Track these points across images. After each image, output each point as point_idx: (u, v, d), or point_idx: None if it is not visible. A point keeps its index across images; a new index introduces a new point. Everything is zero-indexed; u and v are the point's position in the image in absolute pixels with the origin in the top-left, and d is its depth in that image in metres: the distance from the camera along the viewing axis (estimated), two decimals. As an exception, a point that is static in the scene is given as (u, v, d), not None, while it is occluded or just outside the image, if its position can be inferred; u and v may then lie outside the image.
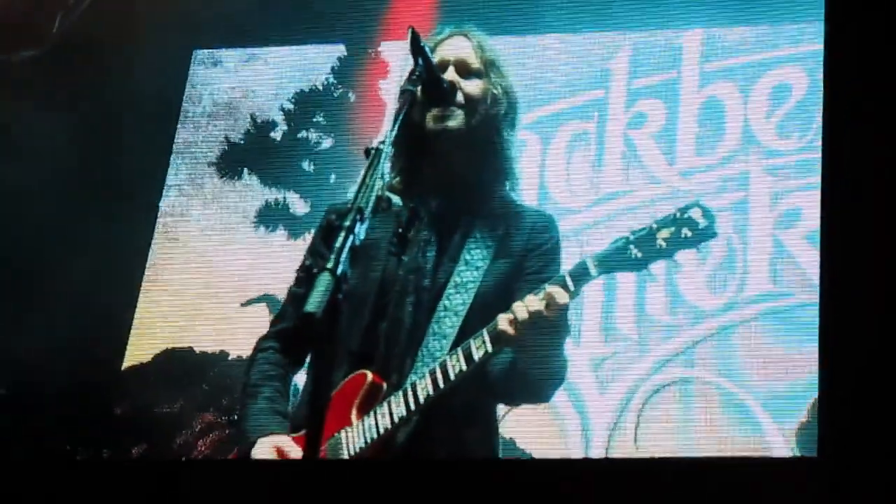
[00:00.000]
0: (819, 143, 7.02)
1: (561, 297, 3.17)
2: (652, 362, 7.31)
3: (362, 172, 2.79)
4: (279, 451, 3.33)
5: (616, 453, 7.20)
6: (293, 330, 3.62)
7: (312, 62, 8.92)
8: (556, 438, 7.26)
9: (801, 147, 7.36)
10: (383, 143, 2.95)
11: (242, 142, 9.23)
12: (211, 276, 8.77)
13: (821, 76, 7.21)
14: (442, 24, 6.17)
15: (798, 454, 6.59)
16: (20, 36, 9.28)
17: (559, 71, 8.14)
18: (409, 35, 3.24)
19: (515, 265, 3.53)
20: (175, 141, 9.29)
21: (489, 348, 3.27)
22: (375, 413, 3.32)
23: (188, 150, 9.31)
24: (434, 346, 3.32)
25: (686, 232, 3.29)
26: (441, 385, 3.27)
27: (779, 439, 6.78)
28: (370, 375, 3.36)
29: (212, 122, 9.36)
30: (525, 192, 7.79)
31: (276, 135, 9.11)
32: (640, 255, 3.31)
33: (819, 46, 7.26)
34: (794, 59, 7.52)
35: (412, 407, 3.28)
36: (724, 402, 6.97)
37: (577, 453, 7.23)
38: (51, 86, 8.88)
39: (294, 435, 3.46)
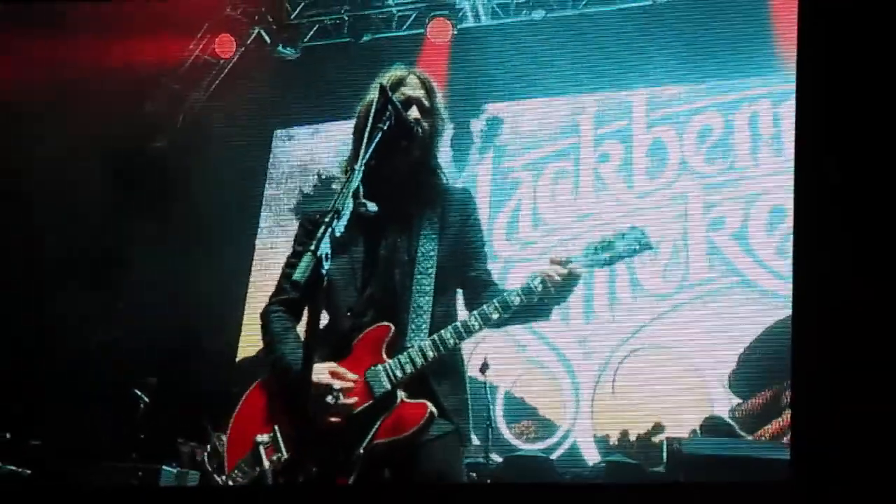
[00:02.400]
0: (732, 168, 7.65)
1: (576, 269, 3.17)
2: (622, 335, 7.63)
3: (340, 186, 2.95)
4: (335, 373, 3.19)
5: (598, 402, 7.54)
6: (290, 295, 3.47)
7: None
8: (554, 395, 7.67)
9: (723, 169, 7.69)
10: (357, 165, 3.00)
11: (312, 193, 9.58)
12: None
13: (732, 118, 7.73)
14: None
15: (731, 391, 6.97)
16: (154, 130, 9.77)
17: (543, 125, 8.40)
18: (380, 91, 3.21)
19: (458, 231, 3.39)
20: (264, 195, 9.80)
21: (521, 299, 3.16)
22: (409, 353, 3.19)
23: (274, 202, 9.76)
24: (420, 301, 3.23)
25: (634, 244, 3.23)
26: (463, 337, 3.17)
27: (717, 385, 7.12)
28: (393, 326, 3.24)
29: (289, 180, 9.80)
30: (521, 213, 8.14)
31: (336, 185, 9.58)
32: (607, 256, 3.25)
33: (731, 97, 7.78)
34: (713, 107, 7.82)
35: (442, 350, 3.16)
36: (677, 360, 7.26)
37: (570, 404, 7.64)
38: (176, 162, 9.28)
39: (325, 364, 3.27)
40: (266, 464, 3.22)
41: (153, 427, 7.86)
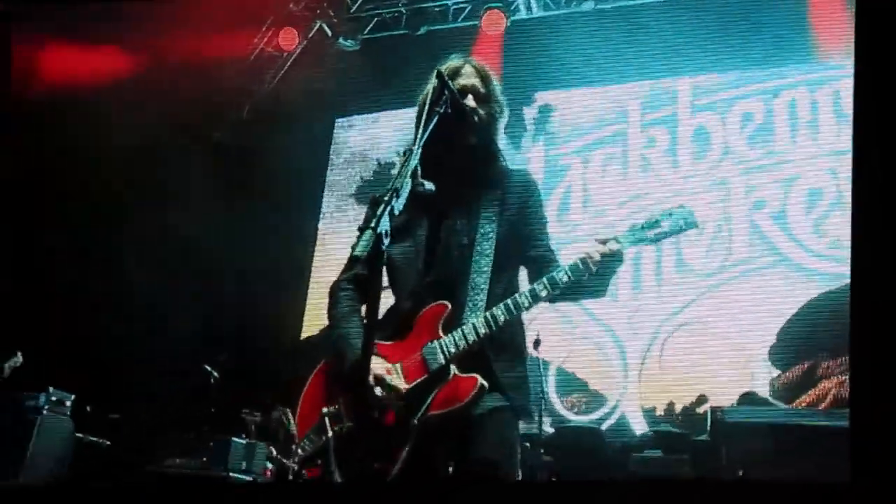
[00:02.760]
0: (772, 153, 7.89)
1: (617, 247, 3.18)
2: (668, 311, 7.93)
3: (399, 166, 2.98)
4: (387, 369, 3.27)
5: (645, 375, 7.83)
6: (357, 271, 3.47)
7: (415, 118, 9.72)
8: (604, 369, 7.99)
9: (763, 154, 7.95)
10: (414, 147, 3.03)
11: (371, 178, 9.92)
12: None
13: (773, 105, 7.94)
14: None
15: (771, 364, 7.22)
16: (222, 120, 10.17)
17: (594, 112, 8.69)
18: (437, 77, 3.25)
19: (518, 213, 3.41)
20: (326, 181, 10.14)
21: (568, 277, 3.17)
22: (462, 330, 3.20)
23: (335, 187, 10.10)
24: (477, 280, 3.26)
25: (680, 221, 3.20)
26: (513, 313, 3.18)
27: (757, 358, 7.37)
28: (449, 305, 3.26)
29: (350, 167, 10.14)
30: (573, 195, 8.34)
31: (394, 171, 9.90)
32: (652, 234, 3.21)
33: (771, 84, 8.01)
34: (754, 94, 8.05)
35: (493, 327, 3.18)
36: (720, 335, 7.54)
37: (618, 378, 7.95)
38: (242, 151, 9.68)
39: (382, 343, 3.31)
40: (330, 433, 3.26)
41: (223, 401, 8.12)
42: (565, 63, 8.28)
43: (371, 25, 9.91)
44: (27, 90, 7.95)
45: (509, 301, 3.24)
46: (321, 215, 10.01)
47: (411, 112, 9.54)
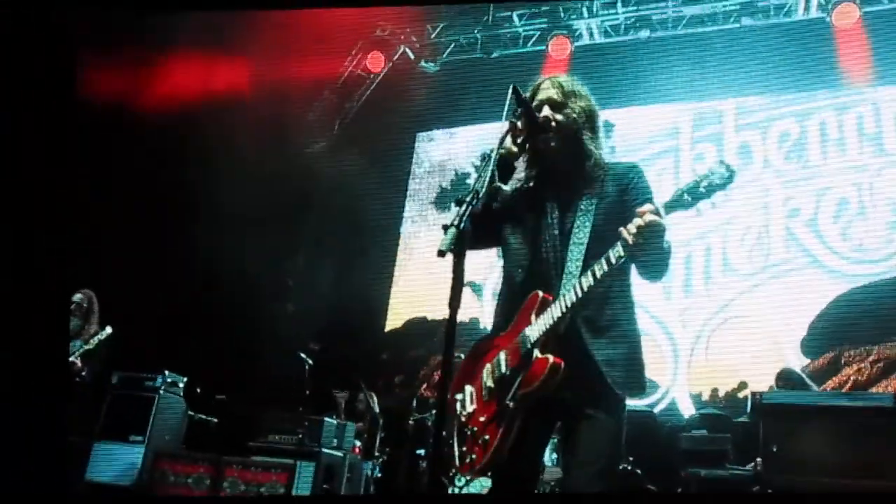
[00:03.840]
0: (805, 167, 8.41)
1: (653, 218, 3.00)
2: (714, 308, 8.49)
3: (480, 171, 3.04)
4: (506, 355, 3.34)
5: (693, 364, 8.40)
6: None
7: (490, 133, 9.60)
8: (657, 359, 8.53)
9: (799, 168, 8.52)
10: (493, 153, 3.11)
11: (450, 187, 10.67)
12: (433, 272, 8.87)
13: (807, 125, 8.47)
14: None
15: (802, 353, 7.77)
16: (315, 135, 10.89)
17: (648, 128, 9.26)
18: (512, 91, 3.32)
19: (616, 202, 3.40)
20: (408, 190, 10.84)
21: (621, 253, 3.09)
22: (544, 315, 3.26)
23: (416, 195, 10.83)
24: (571, 268, 3.29)
25: (716, 179, 3.08)
26: (579, 295, 3.20)
27: (791, 349, 7.91)
28: (541, 293, 3.32)
29: (430, 176, 10.87)
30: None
31: (470, 180, 10.25)
32: (689, 199, 3.09)
33: (804, 106, 8.56)
34: (790, 115, 8.63)
35: (564, 309, 3.21)
36: (759, 329, 8.11)
37: (670, 367, 8.52)
38: (333, 164, 10.30)
39: (497, 337, 3.44)
40: (456, 416, 3.45)
41: (317, 385, 8.48)
42: (624, 84, 8.77)
43: (449, 49, 10.51)
44: (133, 102, 8.59)
45: (575, 282, 3.24)
46: (403, 220, 10.68)
47: (486, 127, 10.09)
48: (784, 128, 8.64)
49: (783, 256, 8.30)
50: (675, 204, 3.12)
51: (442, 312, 9.08)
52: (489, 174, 3.07)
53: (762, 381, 7.69)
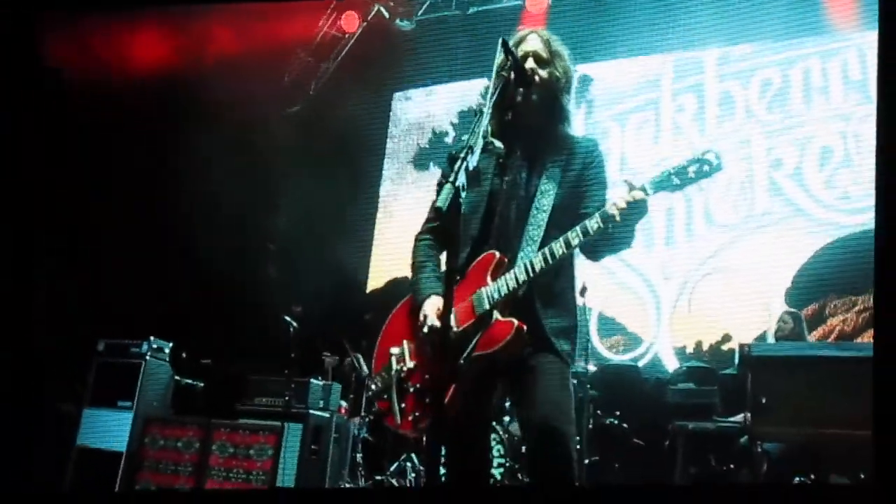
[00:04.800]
0: (789, 116, 8.25)
1: (640, 195, 3.03)
2: (697, 260, 8.38)
3: (472, 126, 2.99)
4: (439, 309, 3.24)
5: (676, 318, 8.32)
6: (437, 224, 3.56)
7: (468, 91, 9.67)
8: (640, 313, 8.50)
9: (782, 118, 8.33)
10: (485, 109, 3.06)
11: (427, 146, 10.50)
12: (412, 231, 9.60)
13: (791, 73, 8.28)
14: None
15: (787, 304, 7.63)
16: (292, 98, 10.71)
17: (629, 81, 9.11)
18: (501, 42, 3.27)
19: (579, 175, 3.39)
20: (386, 149, 10.68)
21: (600, 224, 3.11)
22: (505, 278, 3.23)
23: (394, 155, 10.67)
24: (532, 233, 3.29)
25: (705, 167, 3.08)
26: (549, 261, 3.19)
27: (776, 300, 7.80)
28: (498, 254, 3.29)
29: (408, 136, 10.68)
30: (610, 158, 8.47)
31: (448, 139, 10.29)
32: (678, 181, 3.11)
33: (787, 55, 8.37)
34: (774, 64, 8.44)
35: (530, 274, 3.20)
36: (743, 281, 7.99)
37: (653, 321, 8.44)
38: (310, 125, 10.21)
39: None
40: (393, 371, 3.41)
41: (302, 347, 8.19)
42: (603, 37, 8.66)
43: (425, 7, 10.28)
44: (94, 75, 8.31)
45: (545, 249, 3.24)
46: (382, 180, 10.55)
47: (463, 84, 9.90)
48: (766, 76, 8.48)
49: (767, 207, 8.17)
50: (662, 184, 3.15)
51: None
52: (482, 129, 3.00)
53: (747, 334, 7.69)
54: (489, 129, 3.10)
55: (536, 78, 3.42)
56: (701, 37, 8.54)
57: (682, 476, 6.78)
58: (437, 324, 3.25)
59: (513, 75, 3.29)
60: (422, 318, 3.36)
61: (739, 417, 6.65)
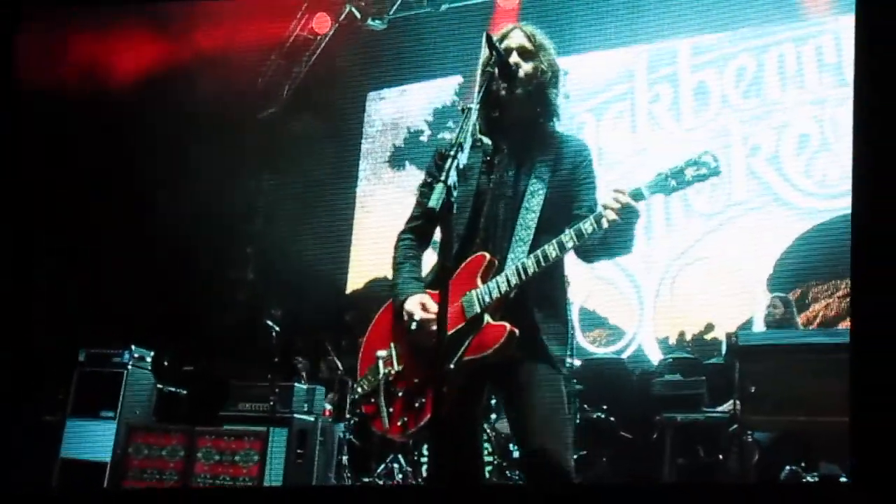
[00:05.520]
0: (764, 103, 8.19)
1: (632, 201, 2.94)
2: (677, 250, 8.31)
3: (461, 123, 2.90)
4: (423, 305, 3.21)
5: (659, 309, 8.24)
6: (421, 223, 3.47)
7: (442, 88, 9.99)
8: (621, 305, 8.41)
9: (757, 105, 8.26)
10: (472, 103, 3.03)
11: (403, 145, 10.36)
12: (390, 231, 9.58)
13: (765, 59, 8.21)
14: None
15: (770, 291, 7.54)
16: (266, 101, 10.55)
17: (603, 73, 9.01)
18: (485, 36, 3.24)
19: (569, 175, 3.32)
20: (361, 150, 10.52)
21: (595, 227, 3.07)
22: (497, 280, 3.17)
23: (370, 154, 10.53)
24: (521, 234, 3.23)
25: (703, 170, 3.02)
26: (542, 264, 3.13)
27: (758, 287, 7.72)
28: (488, 256, 3.24)
29: (382, 135, 10.54)
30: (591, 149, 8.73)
31: (424, 138, 10.19)
32: (674, 183, 3.07)
33: (761, 42, 8.28)
34: (746, 51, 8.37)
35: (523, 278, 3.14)
36: (724, 269, 7.92)
37: (635, 312, 8.36)
38: (286, 126, 10.14)
39: (430, 291, 3.31)
40: (381, 375, 3.33)
41: (284, 351, 8.30)
42: (575, 31, 8.44)
43: (396, 6, 10.12)
44: (76, 84, 8.17)
45: (538, 252, 3.18)
46: (358, 181, 10.43)
47: (437, 82, 9.79)
48: (741, 63, 8.39)
49: (745, 195, 8.08)
50: (657, 186, 3.10)
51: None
52: (470, 127, 2.96)
53: (730, 322, 7.59)
54: (478, 125, 3.10)
55: (521, 72, 3.35)
56: (673, 27, 8.41)
57: (670, 468, 6.69)
58: (426, 316, 3.21)
59: (497, 71, 3.24)
60: (406, 317, 3.28)
61: (728, 407, 6.57)
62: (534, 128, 3.44)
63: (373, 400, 3.39)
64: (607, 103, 8.98)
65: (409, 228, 3.60)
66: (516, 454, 6.51)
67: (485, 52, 3.29)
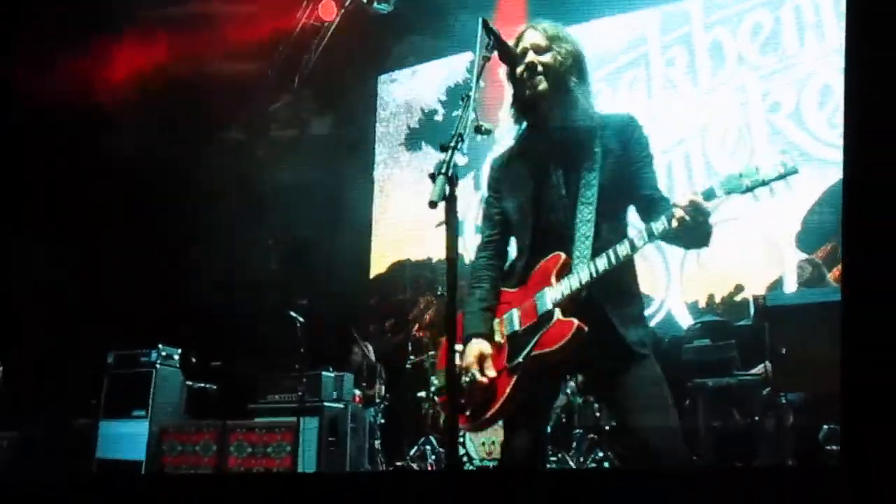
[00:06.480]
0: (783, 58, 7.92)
1: (702, 200, 2.77)
2: None
3: (460, 112, 2.81)
4: (480, 357, 3.25)
5: (686, 273, 8.04)
6: (495, 235, 3.49)
7: (454, 67, 9.89)
8: (649, 272, 8.13)
9: (776, 61, 8.01)
10: (471, 93, 2.93)
11: (417, 126, 10.32)
12: (411, 213, 9.52)
13: (779, 13, 7.92)
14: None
15: (798, 249, 7.33)
16: (277, 91, 10.43)
17: (615, 39, 8.80)
18: (480, 21, 3.15)
19: (622, 156, 3.26)
20: (376, 133, 10.52)
21: (666, 226, 2.98)
22: (569, 279, 3.16)
23: (385, 138, 10.48)
24: (583, 229, 3.18)
25: (780, 169, 2.91)
26: (613, 262, 3.05)
27: (786, 245, 7.52)
28: (563, 255, 3.22)
29: (397, 117, 10.48)
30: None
31: (439, 117, 10.14)
32: (748, 183, 2.87)
33: None
34: (761, 5, 8.12)
35: (593, 276, 3.10)
36: (750, 229, 7.63)
37: (662, 279, 8.17)
38: (299, 115, 10.05)
39: (506, 290, 3.41)
40: (456, 368, 3.26)
41: (310, 341, 8.10)
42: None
43: None
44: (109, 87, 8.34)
45: (610, 251, 3.13)
46: (376, 165, 10.37)
47: (446, 61, 9.71)
48: (756, 19, 8.11)
49: (768, 152, 7.77)
50: (730, 185, 2.96)
51: (424, 253, 8.67)
52: (469, 115, 2.92)
53: (759, 282, 7.45)
54: (475, 112, 2.98)
55: (539, 67, 3.30)
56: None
57: (705, 432, 6.52)
58: (479, 377, 3.20)
59: (497, 55, 3.20)
60: (464, 365, 3.25)
61: (759, 369, 6.43)
62: (568, 119, 3.32)
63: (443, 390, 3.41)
64: (622, 70, 8.77)
65: (484, 245, 3.55)
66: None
67: (482, 35, 3.16)
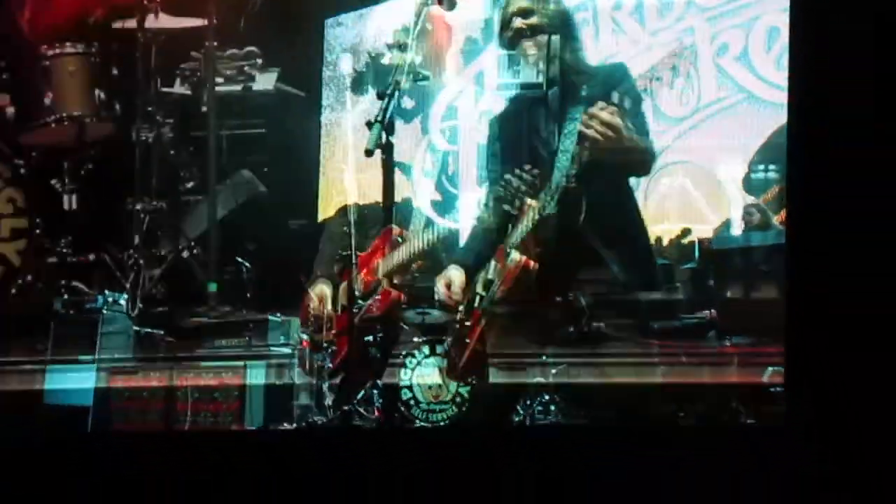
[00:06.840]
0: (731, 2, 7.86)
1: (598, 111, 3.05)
2: None
3: (395, 62, 2.99)
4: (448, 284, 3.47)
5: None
6: None
7: (402, 10, 9.08)
8: None
9: (724, 2, 7.93)
10: (409, 40, 3.15)
11: (364, 70, 9.69)
12: (358, 158, 8.25)
13: None
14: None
15: (745, 192, 7.36)
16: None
17: None
18: None
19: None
20: (323, 78, 10.16)
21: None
22: (526, 217, 3.24)
23: (332, 82, 10.11)
24: (558, 178, 3.20)
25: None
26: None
27: (733, 189, 7.53)
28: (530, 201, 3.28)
29: (342, 62, 9.96)
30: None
31: (385, 60, 8.91)
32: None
33: None
34: None
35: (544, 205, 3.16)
36: (697, 172, 7.77)
37: None
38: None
39: None
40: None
41: (256, 286, 8.55)
42: None
43: None
44: None
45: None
46: (322, 109, 10.12)
47: (392, 4, 9.48)
48: (704, -43, 7.87)
49: (716, 95, 7.85)
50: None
51: (373, 197, 8.57)
52: (407, 64, 3.15)
53: (707, 226, 7.49)
54: (414, 60, 3.16)
55: (527, 31, 3.61)
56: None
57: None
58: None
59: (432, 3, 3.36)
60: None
61: (705, 313, 6.42)
62: (559, 77, 3.63)
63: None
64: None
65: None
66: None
67: None
